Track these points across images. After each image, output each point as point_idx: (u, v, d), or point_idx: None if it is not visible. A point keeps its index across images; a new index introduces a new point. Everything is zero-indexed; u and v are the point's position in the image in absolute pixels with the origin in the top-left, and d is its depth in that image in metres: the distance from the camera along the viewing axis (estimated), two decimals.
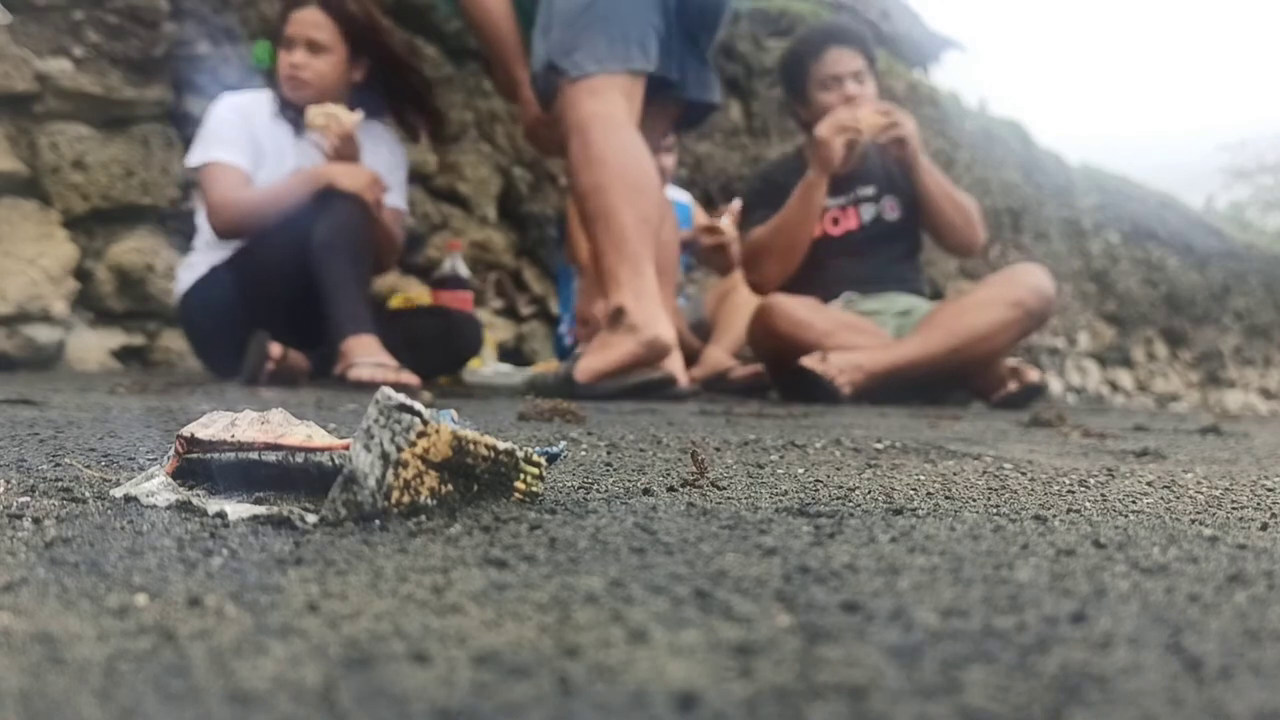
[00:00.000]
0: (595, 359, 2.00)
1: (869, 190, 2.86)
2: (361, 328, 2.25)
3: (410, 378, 2.16)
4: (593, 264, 2.16)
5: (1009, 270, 2.83)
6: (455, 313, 2.72)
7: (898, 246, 2.90)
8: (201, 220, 2.48)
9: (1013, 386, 2.57)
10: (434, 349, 2.54)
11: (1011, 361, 2.70)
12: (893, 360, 2.49)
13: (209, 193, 2.39)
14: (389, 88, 2.61)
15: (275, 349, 2.25)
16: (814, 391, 2.32)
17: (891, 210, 2.85)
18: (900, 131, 2.67)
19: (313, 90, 2.45)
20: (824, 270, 2.80)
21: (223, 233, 2.40)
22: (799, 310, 2.61)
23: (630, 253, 2.04)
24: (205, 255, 2.48)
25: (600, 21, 2.15)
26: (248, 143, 2.44)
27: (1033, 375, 2.60)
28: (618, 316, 2.02)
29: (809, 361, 2.36)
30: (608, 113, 2.12)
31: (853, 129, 2.64)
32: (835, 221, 2.85)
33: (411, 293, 3.17)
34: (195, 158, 2.43)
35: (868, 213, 2.86)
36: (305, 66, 2.45)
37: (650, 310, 2.03)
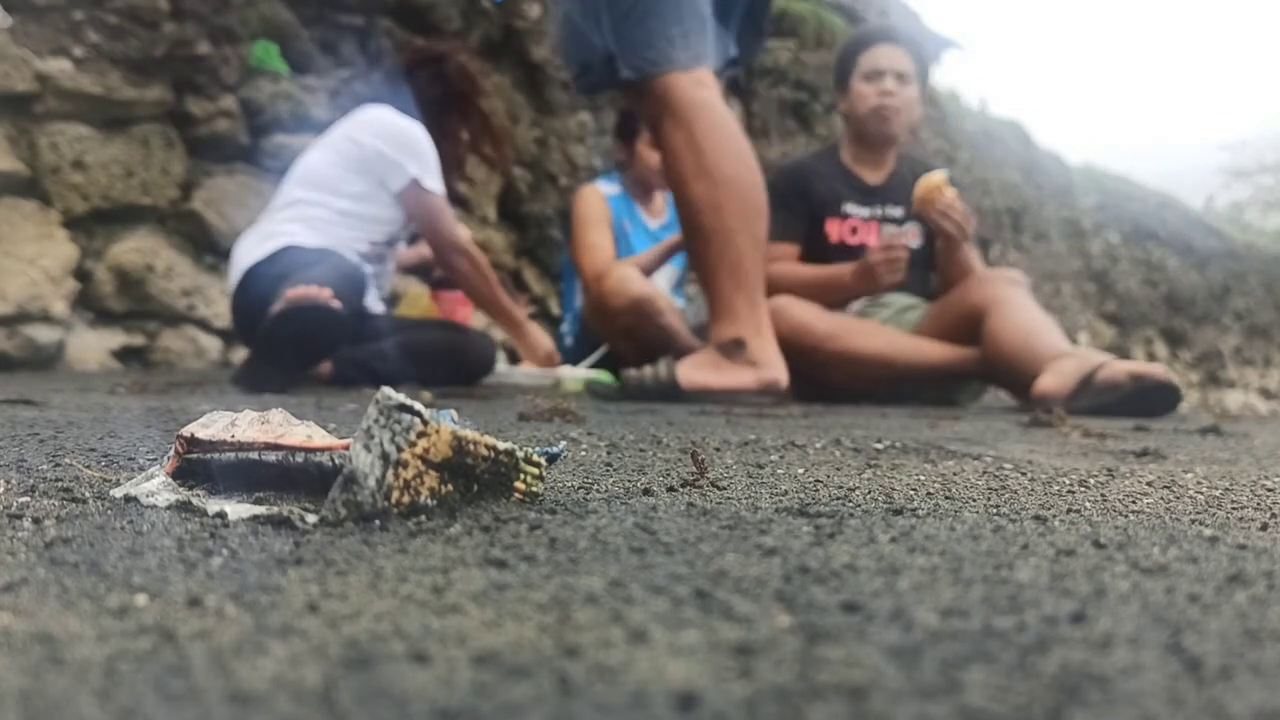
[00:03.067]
0: (704, 375, 1.97)
1: (897, 212, 2.83)
2: None
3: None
4: (700, 276, 2.09)
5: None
6: (471, 330, 2.71)
7: (911, 269, 2.87)
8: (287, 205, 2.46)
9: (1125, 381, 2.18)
10: (446, 363, 2.51)
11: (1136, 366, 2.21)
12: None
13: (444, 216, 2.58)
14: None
15: None
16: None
17: (913, 238, 2.81)
18: (958, 222, 2.61)
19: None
20: None
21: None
22: (799, 313, 2.58)
23: (747, 282, 2.00)
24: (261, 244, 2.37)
25: (674, 10, 2.00)
26: None
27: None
28: (736, 348, 1.98)
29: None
30: (714, 101, 2.00)
31: (900, 249, 2.57)
32: (854, 231, 2.82)
33: (411, 293, 3.17)
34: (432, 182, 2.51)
35: (889, 232, 2.84)
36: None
37: (771, 350, 2.01)
